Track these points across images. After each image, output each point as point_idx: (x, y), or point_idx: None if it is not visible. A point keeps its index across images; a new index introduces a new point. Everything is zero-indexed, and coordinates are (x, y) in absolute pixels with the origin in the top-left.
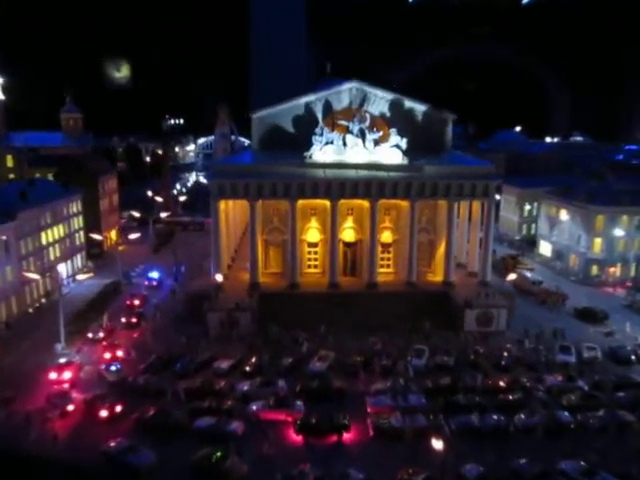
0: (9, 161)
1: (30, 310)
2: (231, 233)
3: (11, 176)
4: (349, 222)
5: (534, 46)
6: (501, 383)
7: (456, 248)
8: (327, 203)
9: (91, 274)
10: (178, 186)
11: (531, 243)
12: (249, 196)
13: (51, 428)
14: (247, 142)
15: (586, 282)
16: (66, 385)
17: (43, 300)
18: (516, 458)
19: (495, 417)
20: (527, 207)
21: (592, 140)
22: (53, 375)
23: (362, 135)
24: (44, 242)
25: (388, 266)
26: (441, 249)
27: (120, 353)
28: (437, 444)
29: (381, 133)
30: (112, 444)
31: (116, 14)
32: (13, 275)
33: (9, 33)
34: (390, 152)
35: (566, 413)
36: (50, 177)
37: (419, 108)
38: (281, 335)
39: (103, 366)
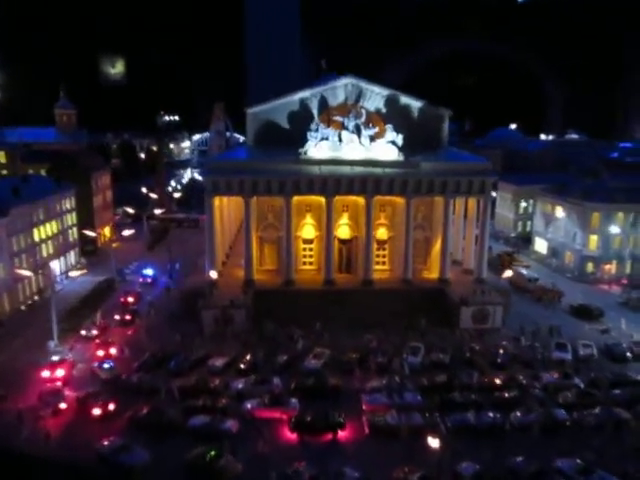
0: (2, 157)
1: (22, 307)
2: (226, 230)
3: (4, 172)
4: (344, 219)
5: (530, 43)
6: (497, 381)
7: (452, 245)
8: (322, 200)
9: (84, 271)
10: (173, 183)
11: (527, 240)
12: (244, 192)
13: (43, 426)
14: (242, 139)
15: (582, 279)
16: (59, 383)
17: (36, 297)
18: (512, 456)
19: (491, 415)
20: (523, 204)
21: (587, 138)
22: (46, 373)
23: (358, 131)
24: (37, 239)
25: (383, 263)
26: (437, 246)
27: (113, 351)
28: (433, 442)
29: (377, 129)
30: (105, 443)
31: (111, 10)
32: (5, 272)
33: (3, 29)
34: (386, 148)
35: (562, 411)
36: (43, 173)
37: (415, 104)
38: (276, 332)
39: (96, 364)
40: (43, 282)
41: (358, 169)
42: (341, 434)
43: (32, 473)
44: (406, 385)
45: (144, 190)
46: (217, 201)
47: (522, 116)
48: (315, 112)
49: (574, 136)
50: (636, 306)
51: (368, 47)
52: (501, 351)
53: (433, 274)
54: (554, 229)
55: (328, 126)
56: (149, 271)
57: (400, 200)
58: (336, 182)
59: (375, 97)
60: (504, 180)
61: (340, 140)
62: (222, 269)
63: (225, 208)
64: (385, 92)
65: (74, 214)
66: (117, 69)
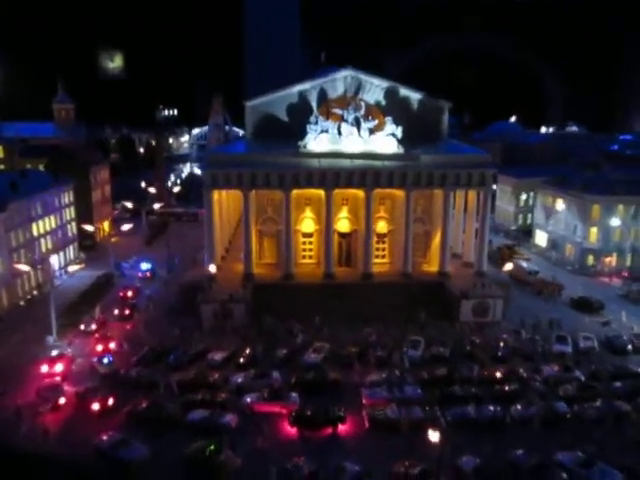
0: (0, 152)
1: (21, 302)
2: (225, 224)
3: (2, 167)
4: (344, 212)
5: (529, 37)
6: (497, 374)
7: (452, 238)
8: (322, 193)
9: (82, 265)
10: (172, 177)
11: (527, 233)
12: (242, 186)
13: (42, 422)
14: (241, 132)
15: (582, 272)
16: (58, 378)
17: (35, 292)
18: (513, 449)
19: (491, 408)
20: (523, 197)
21: (587, 130)
22: (44, 368)
23: (357, 124)
24: (35, 234)
25: (383, 256)
26: (437, 239)
27: (112, 345)
28: (433, 436)
29: (376, 122)
30: (104, 438)
31: (110, 4)
32: (4, 267)
33: (1, 24)
34: (385, 141)
35: (563, 404)
36: (41, 168)
37: (414, 96)
38: (275, 326)
39: (95, 359)
40: (42, 277)
41: (357, 162)
42: (341, 428)
43: (31, 469)
44: (406, 379)
45: (143, 185)
46: (216, 195)
47: (522, 109)
48: (314, 105)
49: (574, 129)
50: (637, 298)
51: (368, 41)
52: (501, 344)
53: (433, 267)
54: (554, 222)
55: (327, 119)
56: (148, 265)
57: (400, 193)
58: (335, 175)
59: (374, 89)
60: (504, 173)
61: (339, 133)
62: (221, 263)
63: (224, 202)
64: (384, 84)
65: (72, 209)
66: (116, 63)
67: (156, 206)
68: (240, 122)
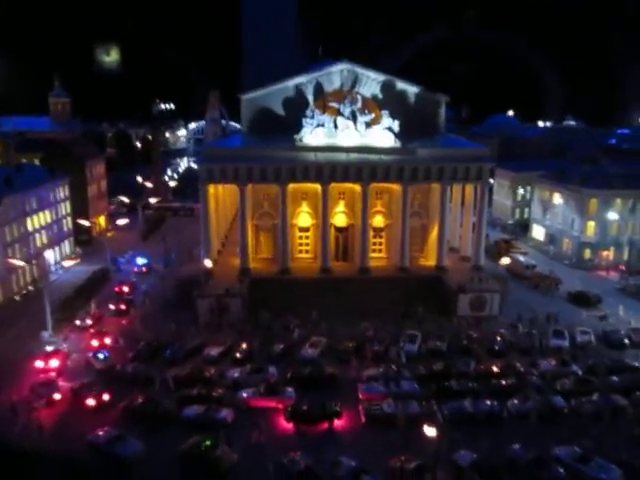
0: None
1: (17, 298)
2: (221, 218)
3: None
4: (340, 206)
5: (528, 31)
6: (494, 368)
7: (449, 232)
8: (318, 187)
9: (77, 260)
10: (169, 172)
11: (524, 227)
12: (238, 180)
13: (37, 418)
14: (238, 126)
15: (579, 266)
16: (53, 374)
17: (30, 287)
18: (510, 444)
19: (488, 403)
20: (520, 191)
21: (585, 124)
22: (40, 363)
23: (353, 117)
24: (30, 228)
25: (380, 251)
26: (434, 233)
27: (108, 341)
28: (430, 431)
29: (373, 115)
30: (100, 434)
31: None
32: None
33: None
34: (382, 135)
35: (560, 398)
36: (37, 162)
37: (411, 90)
38: (272, 321)
39: (91, 354)
40: (37, 272)
41: (354, 156)
42: (337, 423)
43: (25, 465)
44: (403, 373)
45: (139, 179)
46: (212, 189)
47: (520, 103)
48: (310, 98)
49: (572, 123)
50: (634, 292)
51: (365, 34)
52: (498, 338)
53: (430, 262)
54: (552, 216)
55: (324, 112)
56: (144, 260)
57: (397, 187)
58: (332, 169)
59: (371, 83)
60: (502, 167)
61: (336, 127)
62: (218, 258)
63: (221, 196)
64: (381, 78)
65: (68, 203)
66: (112, 57)
67: (152, 201)
68: (237, 116)
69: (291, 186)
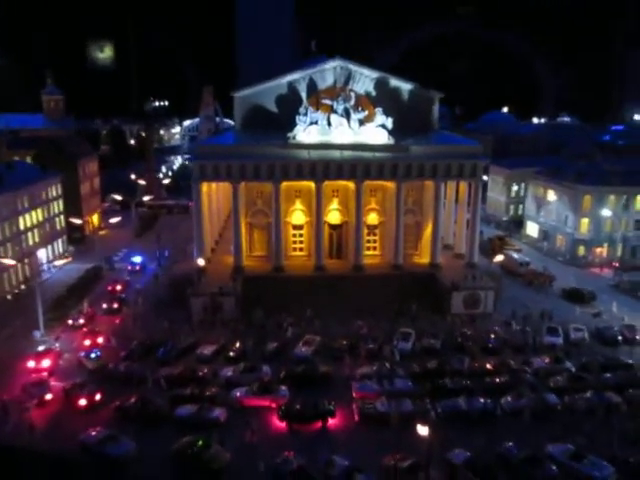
0: None
1: (8, 297)
2: (215, 216)
3: None
4: (334, 204)
5: (522, 28)
6: (488, 366)
7: (443, 230)
8: (312, 185)
9: (70, 259)
10: (163, 169)
11: (518, 224)
12: (231, 178)
13: (28, 418)
14: (232, 123)
15: (573, 263)
16: (45, 373)
17: (22, 286)
18: (503, 442)
19: (482, 400)
20: (514, 188)
21: (579, 121)
22: (31, 363)
23: (347, 115)
24: (22, 227)
25: (374, 248)
26: (428, 231)
27: (100, 340)
28: (423, 429)
29: (366, 112)
30: (92, 434)
31: None
32: None
33: None
34: (376, 132)
35: (553, 395)
36: (29, 160)
37: (405, 87)
38: (265, 319)
39: (83, 353)
40: (29, 271)
41: (348, 153)
42: (331, 422)
43: (16, 465)
44: (396, 371)
45: (133, 177)
46: (206, 187)
47: (514, 100)
48: (304, 95)
49: (566, 119)
50: (627, 289)
51: (359, 30)
52: (492, 336)
53: (424, 259)
54: (546, 212)
55: (317, 110)
56: (137, 258)
57: (390, 184)
58: (325, 167)
59: (364, 80)
60: (496, 164)
61: (329, 124)
62: (211, 256)
63: (214, 194)
64: (375, 74)
65: (61, 201)
66: (105, 54)
67: (146, 198)
68: (231, 113)
69: (285, 184)
